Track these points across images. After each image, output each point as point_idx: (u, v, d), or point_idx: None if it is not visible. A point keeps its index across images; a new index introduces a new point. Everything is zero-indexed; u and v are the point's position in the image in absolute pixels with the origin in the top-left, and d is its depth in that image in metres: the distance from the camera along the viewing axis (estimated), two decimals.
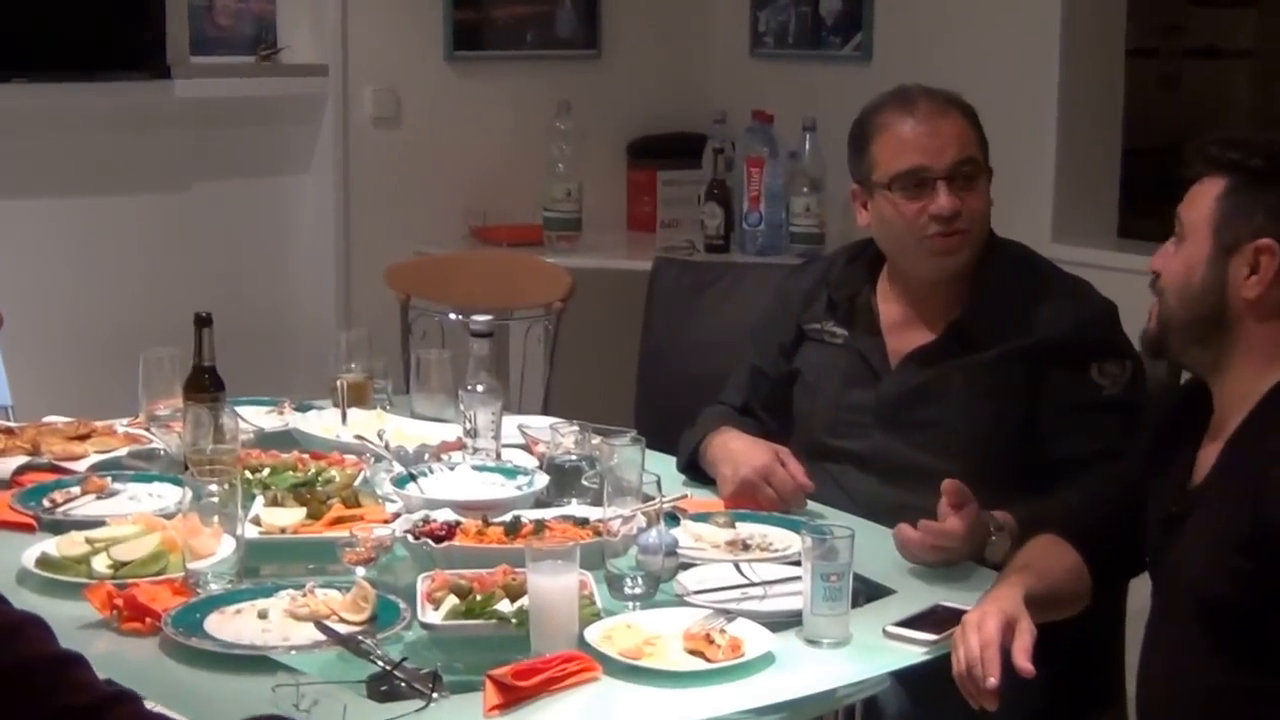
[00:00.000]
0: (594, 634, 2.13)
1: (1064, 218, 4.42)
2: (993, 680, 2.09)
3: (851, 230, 4.71)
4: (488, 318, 2.85)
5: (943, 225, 2.74)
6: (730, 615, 2.20)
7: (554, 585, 2.10)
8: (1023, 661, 2.11)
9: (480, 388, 2.80)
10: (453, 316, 4.04)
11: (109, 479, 2.79)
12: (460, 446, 2.86)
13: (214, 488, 2.35)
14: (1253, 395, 2.17)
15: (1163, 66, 6.50)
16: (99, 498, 2.73)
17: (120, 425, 3.10)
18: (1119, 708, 2.85)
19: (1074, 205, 4.45)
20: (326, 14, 4.67)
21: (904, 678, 2.28)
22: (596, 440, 2.78)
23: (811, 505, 2.75)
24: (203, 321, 2.90)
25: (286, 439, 3.06)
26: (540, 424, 3.04)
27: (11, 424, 3.15)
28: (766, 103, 4.80)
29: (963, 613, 2.25)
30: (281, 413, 3.22)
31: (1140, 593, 2.56)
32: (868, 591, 2.38)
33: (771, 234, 4.67)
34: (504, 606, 2.18)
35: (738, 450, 2.78)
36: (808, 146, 4.61)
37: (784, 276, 3.14)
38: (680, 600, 2.31)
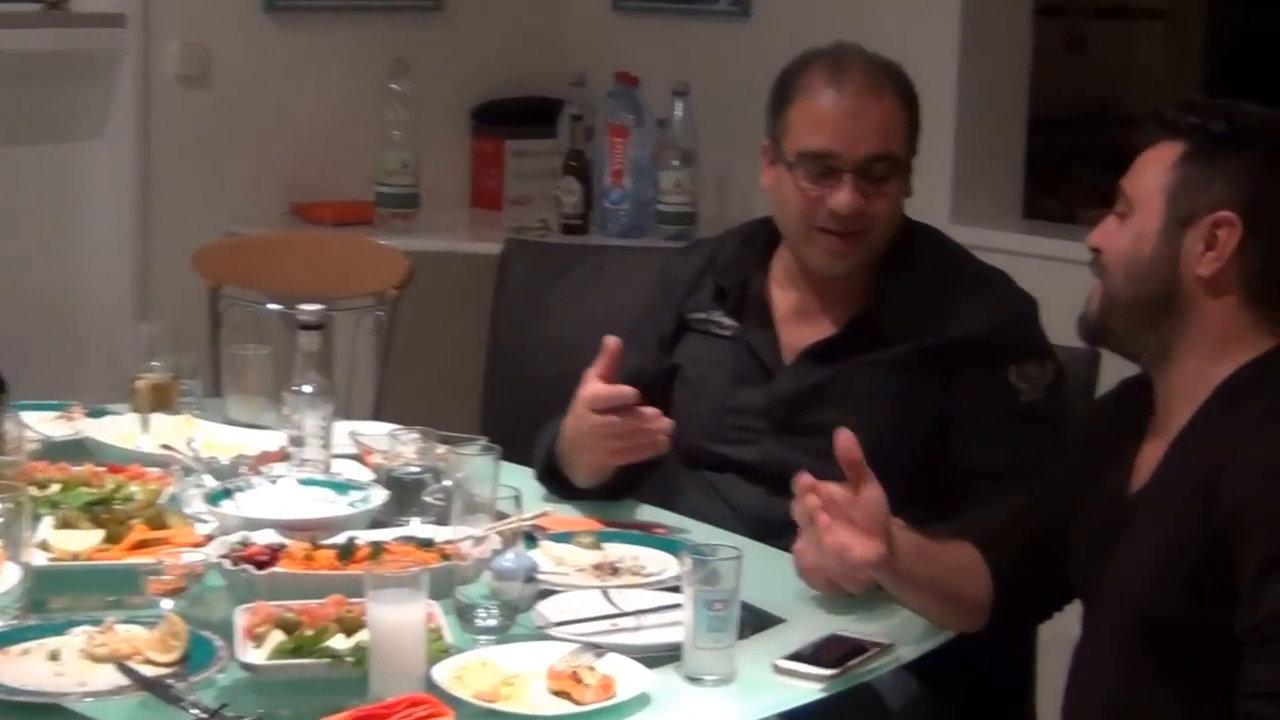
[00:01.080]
0: (443, 673, 2.09)
1: (964, 196, 4.46)
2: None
3: (728, 209, 4.80)
4: (317, 307, 2.79)
5: (838, 224, 2.73)
6: (599, 650, 2.17)
7: (397, 618, 2.06)
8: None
9: (308, 389, 2.75)
10: (271, 307, 3.99)
11: None
12: (283, 457, 2.81)
13: None
14: (1202, 386, 2.19)
15: (1069, 26, 6.57)
16: None
17: None
18: None
19: (975, 182, 4.49)
20: None
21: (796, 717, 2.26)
22: (442, 449, 2.75)
23: (691, 522, 2.73)
24: None
25: (78, 449, 2.98)
26: (375, 431, 3.00)
27: None
28: (632, 64, 4.79)
29: (863, 644, 2.24)
30: (72, 419, 3.14)
31: (1055, 620, 2.57)
32: (755, 621, 2.35)
33: (637, 213, 4.66)
34: (338, 643, 2.14)
35: (570, 423, 2.75)
36: (678, 114, 4.59)
37: (667, 259, 3.12)
38: (541, 633, 2.27)
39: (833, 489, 2.29)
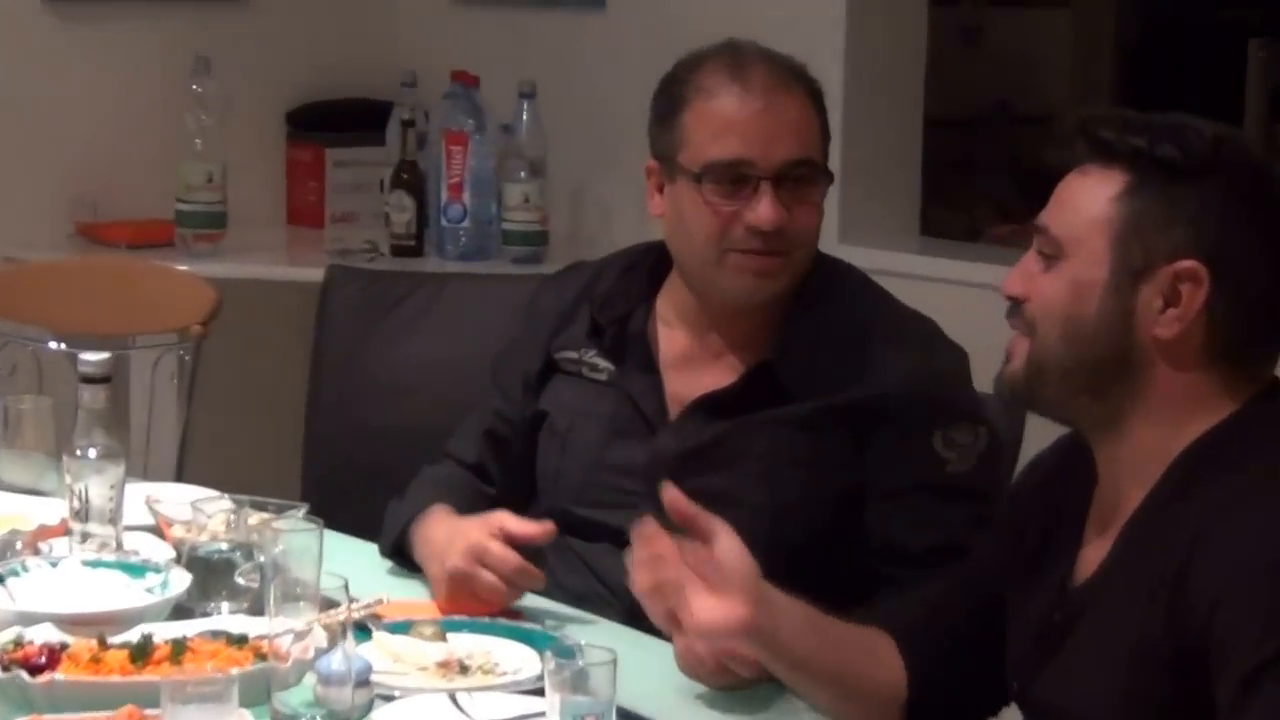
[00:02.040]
0: None
1: (853, 212, 4.39)
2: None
3: (583, 227, 4.72)
4: (102, 356, 2.65)
5: (759, 241, 2.64)
6: None
7: None
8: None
9: (93, 452, 2.61)
10: (54, 346, 3.85)
11: None
12: (65, 532, 2.67)
13: None
14: (1157, 461, 2.07)
15: (964, 17, 6.56)
16: None
17: None
18: None
19: (865, 195, 4.44)
20: None
21: None
22: (255, 520, 2.61)
23: (553, 604, 2.63)
24: None
25: None
26: (177, 497, 2.86)
27: None
28: (471, 61, 4.72)
29: None
30: None
31: None
32: None
33: (478, 232, 4.61)
34: None
35: (441, 541, 2.65)
36: (525, 118, 4.56)
37: (537, 287, 3.03)
38: None
39: (672, 543, 2.22)
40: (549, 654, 2.10)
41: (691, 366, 2.73)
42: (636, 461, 2.72)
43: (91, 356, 2.65)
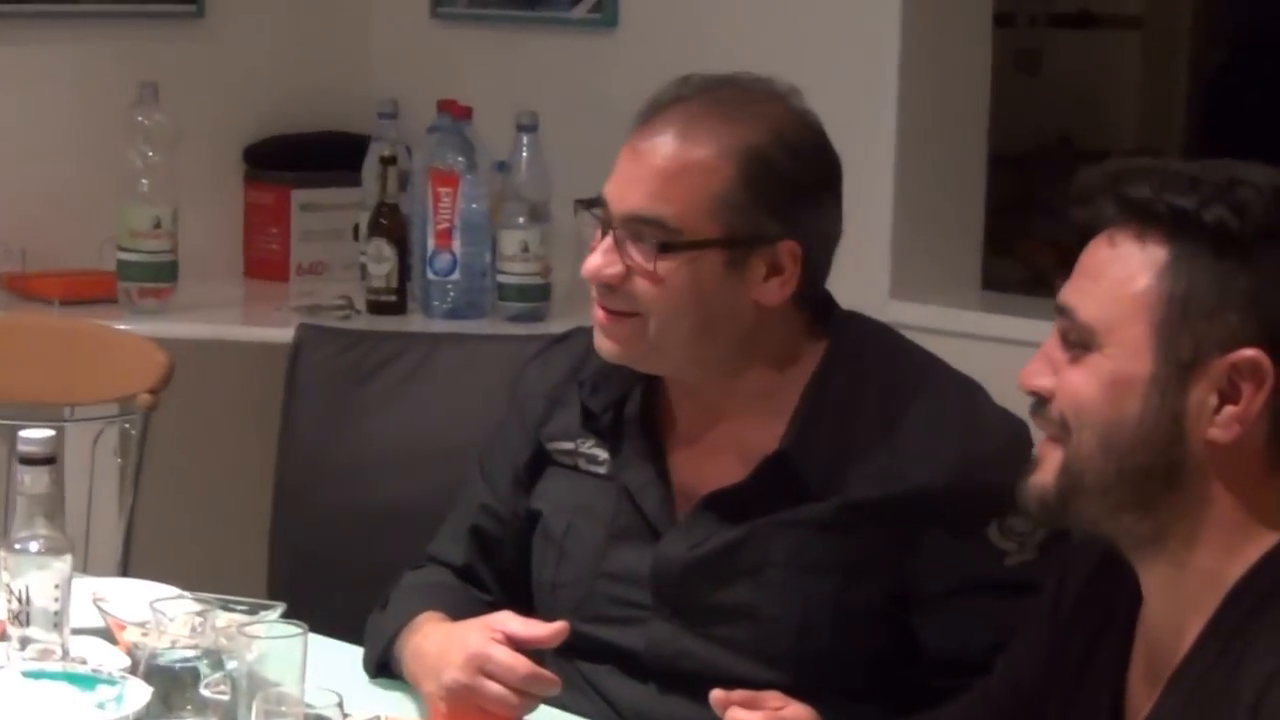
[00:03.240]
0: None
1: (906, 264, 4.42)
2: None
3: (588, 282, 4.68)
4: (46, 433, 2.61)
5: (597, 293, 2.64)
6: None
7: None
8: None
9: (35, 545, 2.57)
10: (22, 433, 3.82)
11: None
12: (1, 637, 2.62)
13: None
14: (1214, 588, 1.99)
15: (1021, 39, 6.58)
16: None
17: None
18: None
19: (920, 246, 4.45)
20: None
21: None
22: (224, 622, 2.56)
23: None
24: None
25: None
26: (128, 595, 2.83)
27: None
28: (460, 88, 4.71)
29: None
30: None
31: None
32: None
33: (470, 286, 4.60)
34: None
35: (435, 653, 2.62)
36: (524, 155, 4.55)
37: (524, 362, 2.98)
38: None
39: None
40: None
41: (699, 456, 2.70)
42: (641, 570, 2.68)
43: (34, 434, 2.62)
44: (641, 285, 2.59)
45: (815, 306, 2.70)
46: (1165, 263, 1.97)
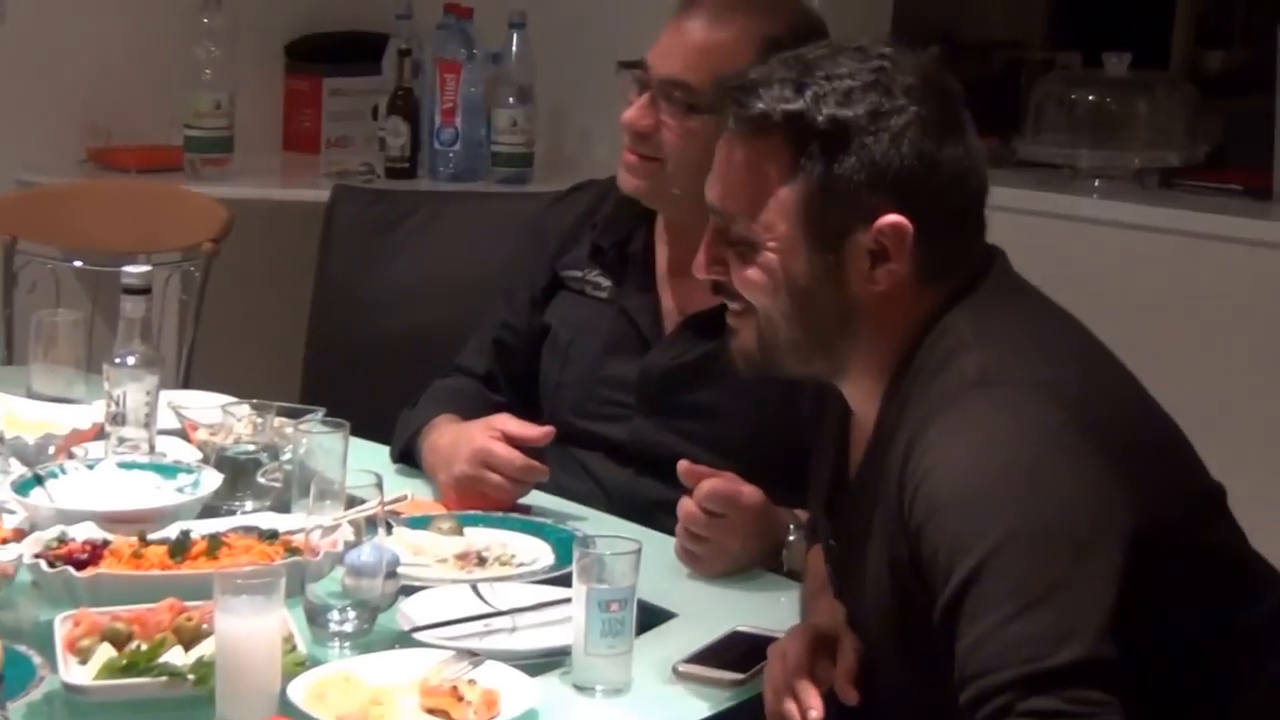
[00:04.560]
0: (301, 691, 1.90)
1: None
2: (814, 713, 1.92)
3: (566, 149, 4.65)
4: (144, 268, 2.59)
5: (629, 139, 2.62)
6: (476, 658, 1.99)
7: (251, 628, 1.87)
8: (845, 687, 1.95)
9: (132, 359, 2.54)
10: (75, 264, 3.77)
11: None
12: (98, 435, 2.60)
13: None
14: (883, 374, 1.95)
15: None
16: None
17: None
18: None
19: None
20: None
21: None
22: (279, 424, 2.56)
23: (555, 501, 2.59)
24: None
25: None
26: (201, 402, 2.80)
27: None
28: None
29: (768, 640, 2.09)
30: None
31: None
32: (644, 616, 2.18)
33: (469, 154, 4.53)
34: (176, 657, 1.94)
35: (446, 446, 2.62)
36: (514, 48, 4.47)
37: (543, 206, 2.95)
38: (407, 638, 2.09)
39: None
40: (577, 545, 2.06)
41: (685, 286, 2.64)
42: (629, 377, 2.66)
43: (134, 269, 2.60)
44: (668, 137, 2.57)
45: None
46: (793, 164, 1.88)
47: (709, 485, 2.32)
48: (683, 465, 2.35)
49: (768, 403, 2.56)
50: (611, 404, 2.67)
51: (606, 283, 2.73)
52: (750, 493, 2.33)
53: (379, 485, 2.15)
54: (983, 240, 1.98)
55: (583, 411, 2.69)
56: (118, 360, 2.55)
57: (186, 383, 3.60)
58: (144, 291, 2.56)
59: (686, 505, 2.33)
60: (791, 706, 1.93)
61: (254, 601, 1.87)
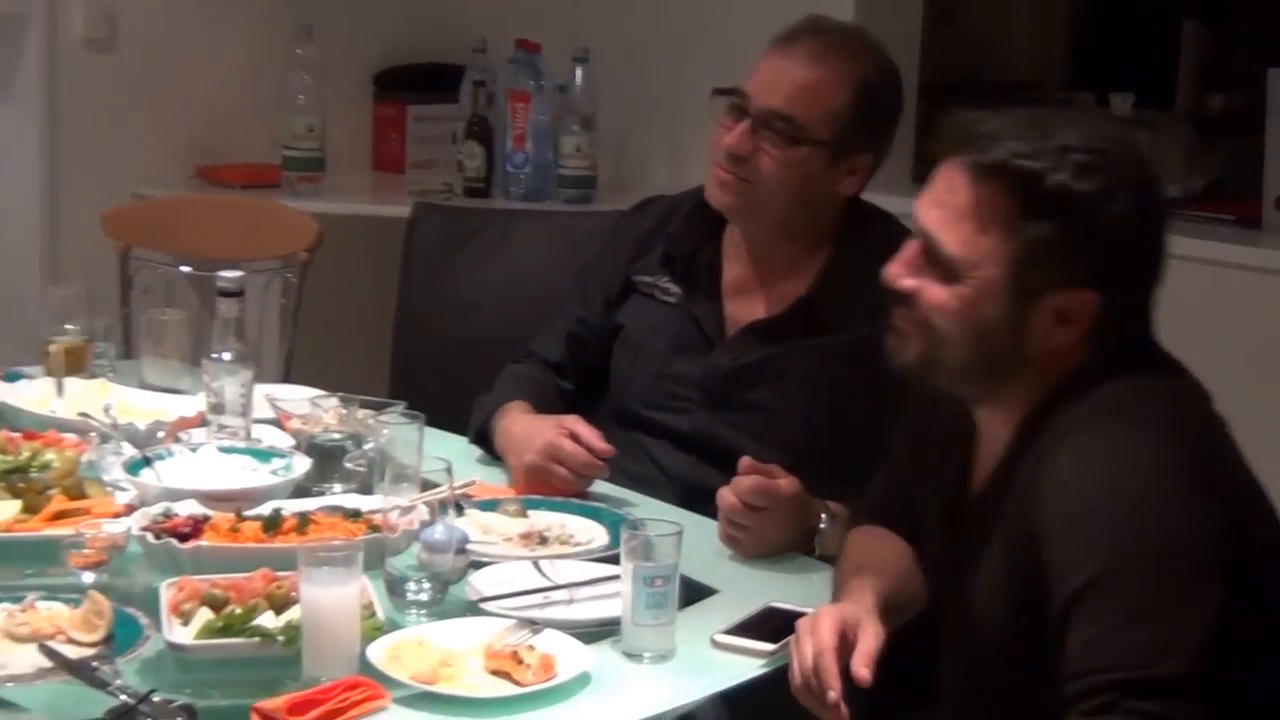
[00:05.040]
0: (379, 653, 1.92)
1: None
2: (832, 694, 1.90)
3: (626, 172, 4.64)
4: (237, 273, 2.60)
5: (724, 160, 2.60)
6: (536, 626, 2.00)
7: (332, 596, 1.89)
8: (859, 667, 1.92)
9: (227, 355, 2.56)
10: (182, 269, 3.80)
11: None
12: (202, 422, 2.61)
13: None
14: (1029, 404, 1.94)
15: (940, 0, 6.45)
16: None
17: None
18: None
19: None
20: None
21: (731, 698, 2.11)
22: (363, 415, 2.58)
23: (616, 488, 2.58)
24: None
25: None
26: (294, 395, 2.81)
27: None
28: (533, 30, 4.60)
29: (800, 615, 2.09)
30: None
31: None
32: (688, 592, 2.19)
33: (538, 176, 4.50)
34: (267, 620, 1.96)
35: (520, 435, 2.62)
36: (579, 80, 4.43)
37: (621, 215, 2.95)
38: (475, 607, 2.11)
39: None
40: (625, 527, 2.06)
41: (746, 295, 2.67)
42: (694, 374, 2.67)
43: (229, 274, 2.61)
44: (766, 164, 2.56)
45: (851, 207, 2.68)
46: (1017, 218, 1.83)
47: (749, 482, 2.32)
48: (744, 461, 2.35)
49: (817, 404, 2.56)
50: (676, 397, 2.67)
51: (675, 289, 2.72)
52: (787, 485, 2.33)
53: (449, 471, 2.17)
54: (1151, 315, 1.96)
55: (649, 403, 2.70)
56: (215, 356, 2.57)
57: (286, 377, 3.61)
58: (237, 294, 2.58)
59: (727, 497, 2.33)
60: (815, 682, 1.92)
61: (334, 572, 1.88)
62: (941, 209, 1.88)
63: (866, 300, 2.52)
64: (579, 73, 4.43)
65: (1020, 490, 1.87)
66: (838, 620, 1.96)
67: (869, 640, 1.95)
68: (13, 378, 2.94)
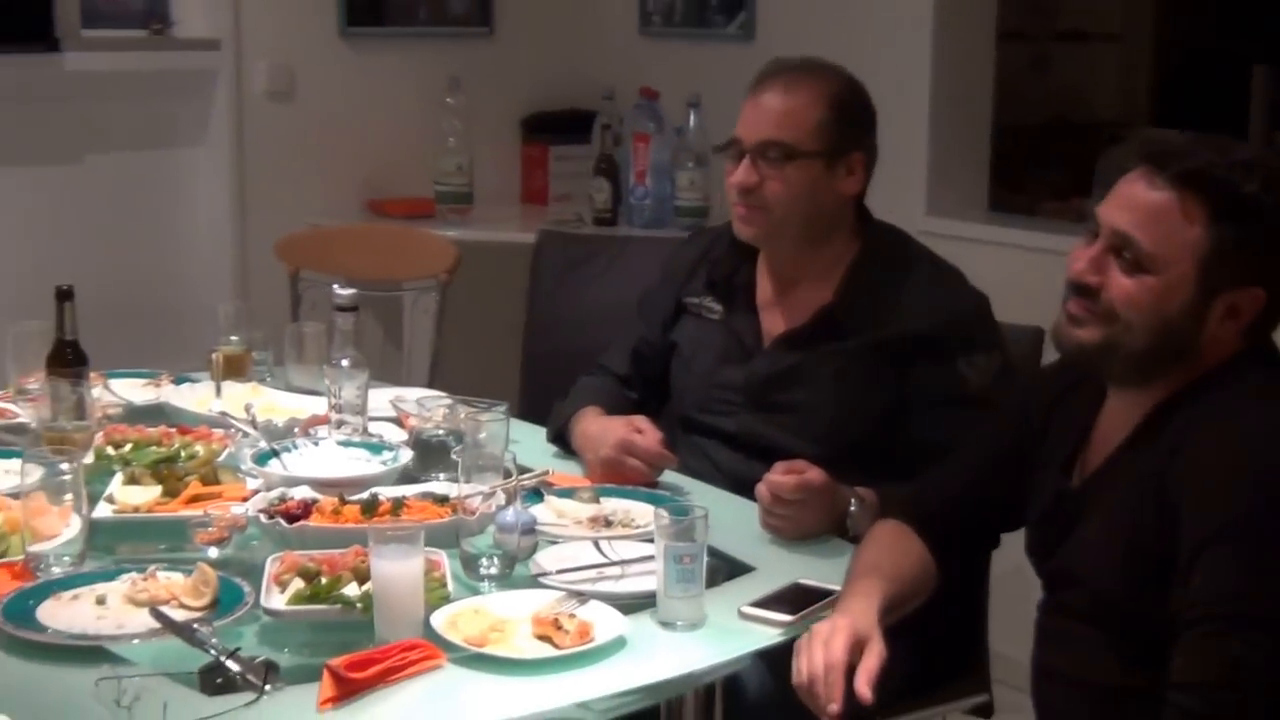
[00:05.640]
0: (440, 619, 1.94)
1: (937, 192, 4.25)
2: (834, 706, 1.86)
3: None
4: (351, 291, 2.64)
5: (739, 196, 2.59)
6: (583, 597, 2.01)
7: (397, 570, 1.90)
8: (863, 688, 1.87)
9: (345, 362, 2.60)
10: (336, 288, 3.85)
11: None
12: (328, 420, 2.64)
13: (63, 465, 2.13)
14: (1166, 391, 1.92)
15: (1033, 49, 6.36)
16: None
17: None
18: (981, 676, 2.69)
19: (946, 180, 4.27)
20: None
21: (766, 654, 2.09)
22: (464, 413, 2.58)
23: (679, 478, 2.57)
24: (64, 295, 2.65)
25: (159, 413, 2.84)
26: (414, 397, 2.84)
27: None
28: (653, 80, 4.60)
29: (822, 591, 2.07)
30: (159, 385, 3.00)
31: (1002, 559, 2.40)
32: (728, 569, 2.19)
33: (657, 207, 4.49)
34: (351, 590, 1.99)
35: (594, 433, 2.61)
36: (692, 122, 4.41)
37: (673, 248, 2.94)
38: (535, 581, 2.11)
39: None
40: (658, 509, 2.06)
41: (778, 309, 2.66)
42: (737, 381, 2.66)
43: (344, 291, 2.65)
44: (771, 186, 2.56)
45: (860, 211, 2.66)
46: (1209, 219, 1.84)
47: (783, 477, 2.30)
48: (780, 464, 2.34)
49: (843, 401, 2.54)
50: (724, 402, 2.66)
51: (718, 307, 2.72)
52: (816, 476, 2.31)
53: (513, 459, 2.18)
54: None
55: (702, 408, 2.69)
56: (335, 362, 2.61)
57: (431, 381, 3.63)
58: (352, 309, 2.61)
59: (763, 491, 2.31)
60: (819, 687, 1.88)
61: (400, 549, 1.90)
62: (1134, 211, 1.88)
63: (878, 309, 2.55)
64: (692, 116, 4.42)
65: (1151, 461, 1.86)
66: (851, 636, 1.91)
67: (873, 659, 1.90)
68: (181, 381, 3.01)
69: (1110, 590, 1.91)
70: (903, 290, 2.56)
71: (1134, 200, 1.88)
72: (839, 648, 1.89)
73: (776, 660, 2.11)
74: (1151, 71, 6.69)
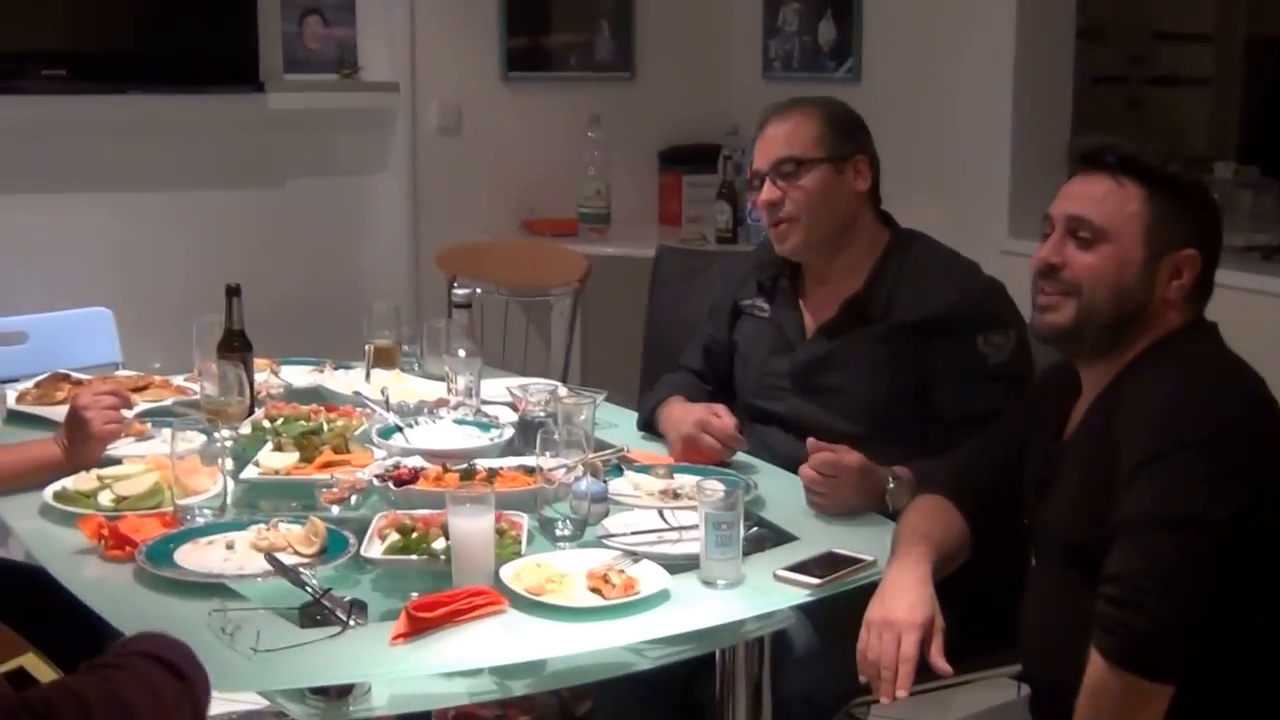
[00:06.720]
0: (507, 571, 1.95)
1: (1018, 217, 4.15)
2: (902, 693, 1.86)
3: None
4: (467, 290, 2.67)
5: (768, 214, 2.59)
6: (636, 556, 2.00)
7: (470, 527, 1.92)
8: (939, 661, 1.88)
9: (461, 352, 2.63)
10: (477, 291, 3.90)
11: (149, 424, 2.63)
12: (444, 405, 2.68)
13: (214, 434, 2.18)
14: (1122, 361, 1.93)
15: (1129, 92, 6.20)
16: (139, 440, 2.56)
17: (177, 379, 2.95)
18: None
19: (1027, 208, 4.16)
20: (399, 39, 4.53)
21: (812, 612, 2.07)
22: (565, 398, 2.59)
23: (748, 459, 2.55)
24: (232, 291, 2.73)
25: (315, 394, 2.90)
26: (529, 385, 2.85)
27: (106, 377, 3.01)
28: None
29: (852, 559, 2.04)
30: (322, 371, 3.06)
31: None
32: (774, 538, 2.16)
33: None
34: (438, 544, 2.00)
35: (677, 416, 2.60)
36: None
37: (730, 263, 2.92)
38: (599, 542, 2.11)
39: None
40: (701, 481, 2.04)
41: (817, 304, 2.63)
42: (785, 369, 2.64)
43: (460, 290, 2.67)
44: (792, 195, 2.56)
45: (878, 215, 2.62)
46: (1145, 196, 1.88)
47: (820, 456, 2.28)
48: (812, 441, 2.31)
49: (875, 382, 2.51)
50: (775, 389, 2.64)
51: (766, 306, 2.71)
52: (851, 457, 2.27)
53: (584, 439, 2.18)
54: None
55: (758, 394, 2.67)
56: (451, 353, 2.63)
57: (566, 376, 3.68)
58: (467, 306, 2.64)
59: (806, 471, 2.29)
60: (887, 673, 1.88)
61: (473, 508, 1.92)
62: (1083, 199, 1.91)
63: (900, 297, 2.52)
64: None
65: (1105, 416, 1.87)
66: (921, 631, 1.91)
67: (940, 636, 1.92)
68: (340, 368, 3.07)
69: (1074, 530, 1.89)
70: (922, 279, 2.53)
71: (1081, 191, 1.93)
72: (910, 647, 1.88)
73: (823, 619, 2.09)
74: (1240, 111, 6.47)
